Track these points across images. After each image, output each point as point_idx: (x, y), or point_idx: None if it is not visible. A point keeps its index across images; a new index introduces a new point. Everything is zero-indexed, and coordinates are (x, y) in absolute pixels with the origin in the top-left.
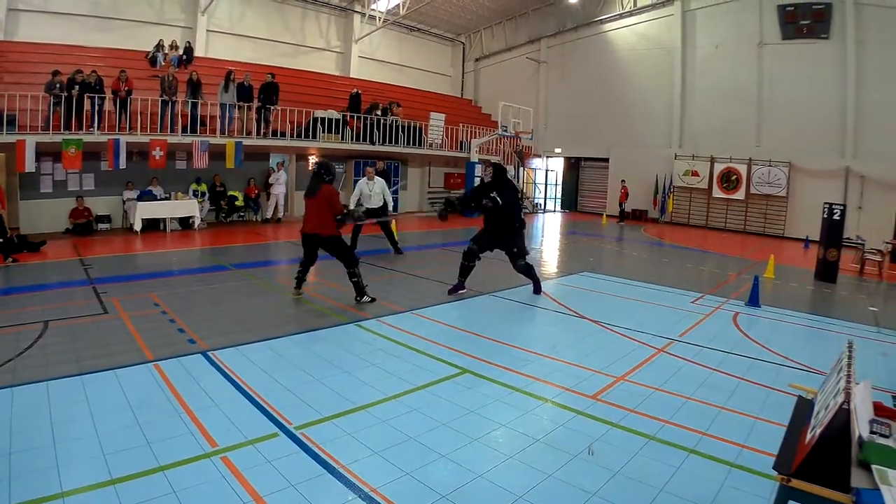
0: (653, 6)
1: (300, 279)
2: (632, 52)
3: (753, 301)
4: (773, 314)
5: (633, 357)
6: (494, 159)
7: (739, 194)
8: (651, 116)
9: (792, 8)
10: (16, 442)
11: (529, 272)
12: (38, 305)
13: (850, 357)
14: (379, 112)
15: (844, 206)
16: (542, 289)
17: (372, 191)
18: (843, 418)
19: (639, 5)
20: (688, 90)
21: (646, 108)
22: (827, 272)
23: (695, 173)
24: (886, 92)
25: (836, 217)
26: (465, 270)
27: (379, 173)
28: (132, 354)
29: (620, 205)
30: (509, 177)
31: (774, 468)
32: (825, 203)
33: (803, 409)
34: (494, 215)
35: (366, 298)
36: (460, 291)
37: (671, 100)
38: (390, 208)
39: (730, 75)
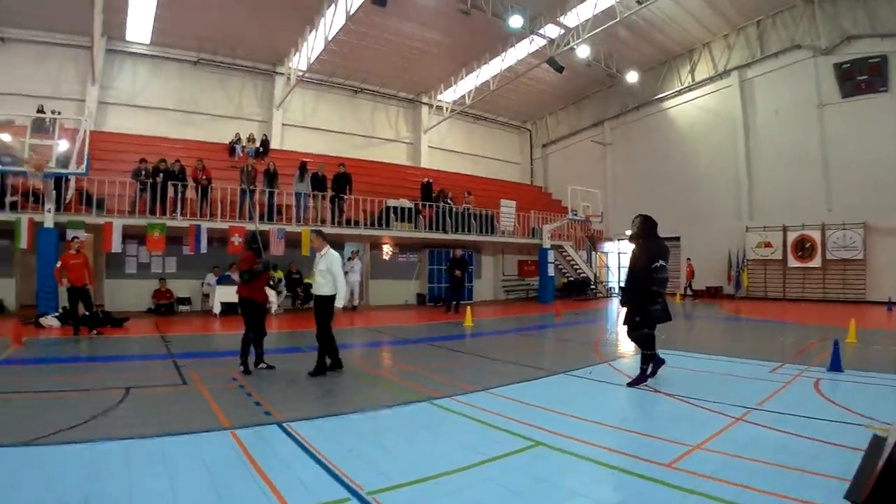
0: (711, 79)
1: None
2: (694, 126)
3: (835, 366)
4: (856, 377)
5: (709, 426)
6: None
7: (815, 262)
8: (718, 190)
9: (848, 65)
10: (93, 491)
11: (644, 347)
12: (120, 373)
13: None
14: (449, 200)
15: None
16: (645, 378)
17: (315, 266)
18: None
19: (697, 79)
20: (753, 159)
21: (712, 182)
22: None
23: (767, 244)
24: None
25: None
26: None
27: (457, 261)
28: (209, 422)
29: (688, 283)
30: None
31: (846, 497)
32: None
33: (877, 446)
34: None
35: (240, 368)
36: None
37: (737, 171)
38: (338, 301)
39: (793, 140)
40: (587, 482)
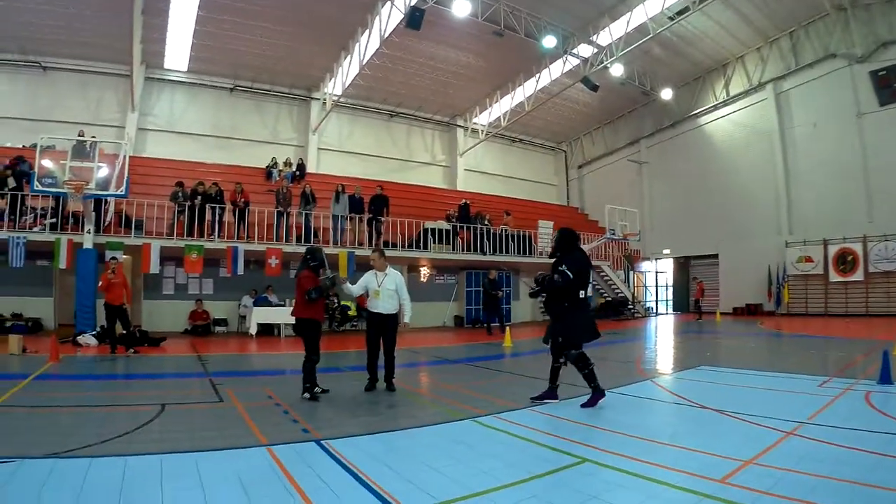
0: (746, 93)
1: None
2: (730, 141)
3: (885, 378)
4: None
5: (760, 441)
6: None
7: (857, 275)
8: (757, 205)
9: (884, 72)
10: None
11: (579, 367)
12: (155, 391)
13: None
14: (487, 222)
15: None
16: (603, 398)
17: (381, 286)
18: None
19: (732, 94)
20: (791, 173)
21: (751, 198)
22: None
23: (808, 259)
24: None
25: None
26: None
27: (491, 283)
28: (246, 438)
29: (696, 301)
30: (582, 245)
31: None
32: None
33: None
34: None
35: (305, 395)
36: (604, 397)
37: (776, 185)
38: (407, 318)
39: (832, 152)
40: (639, 499)
